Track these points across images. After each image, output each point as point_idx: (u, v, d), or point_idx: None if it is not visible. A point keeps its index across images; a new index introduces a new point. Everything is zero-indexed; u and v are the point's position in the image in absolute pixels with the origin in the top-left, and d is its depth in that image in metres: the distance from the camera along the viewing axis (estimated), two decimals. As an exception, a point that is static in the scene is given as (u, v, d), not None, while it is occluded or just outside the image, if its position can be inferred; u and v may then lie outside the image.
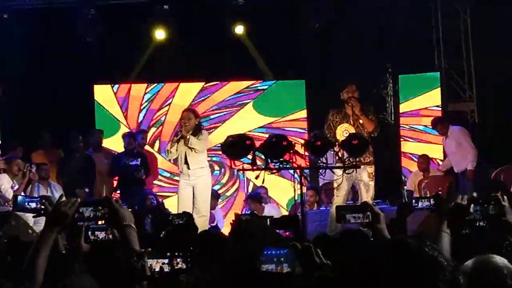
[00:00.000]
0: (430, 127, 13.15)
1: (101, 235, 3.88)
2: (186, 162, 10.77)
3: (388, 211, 9.10)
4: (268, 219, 5.82)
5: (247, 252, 3.57)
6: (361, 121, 10.37)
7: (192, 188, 10.74)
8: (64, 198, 3.79)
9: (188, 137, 10.60)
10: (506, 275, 3.27)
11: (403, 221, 8.62)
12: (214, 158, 14.12)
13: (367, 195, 10.34)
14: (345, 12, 13.91)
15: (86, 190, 11.93)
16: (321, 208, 11.77)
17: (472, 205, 3.89)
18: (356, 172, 10.04)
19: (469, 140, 12.28)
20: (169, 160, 12.31)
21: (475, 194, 3.96)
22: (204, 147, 10.90)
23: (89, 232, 3.95)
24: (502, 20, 12.57)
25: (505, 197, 3.90)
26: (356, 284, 1.94)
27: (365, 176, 10.33)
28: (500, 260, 3.36)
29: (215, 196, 11.84)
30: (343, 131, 10.36)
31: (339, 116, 10.47)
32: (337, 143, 9.81)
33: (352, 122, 10.41)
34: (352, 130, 10.30)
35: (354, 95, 10.45)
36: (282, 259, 3.50)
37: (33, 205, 4.14)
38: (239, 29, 14.12)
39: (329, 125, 10.49)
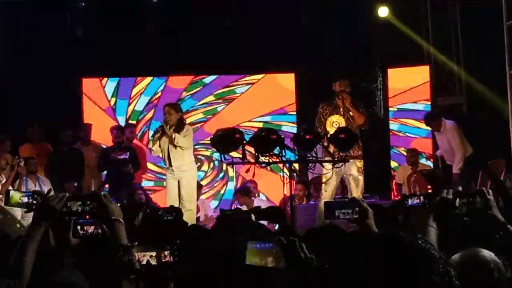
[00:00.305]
0: (422, 122, 13.12)
1: (90, 229, 3.88)
2: (169, 158, 10.87)
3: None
4: (253, 211, 5.78)
5: (229, 246, 3.57)
6: (351, 114, 10.37)
7: (178, 182, 10.83)
8: (52, 193, 3.79)
9: (173, 136, 10.65)
10: (493, 269, 3.29)
11: (396, 219, 8.62)
12: (203, 152, 14.15)
13: (356, 189, 10.35)
14: (334, 4, 13.91)
15: (75, 184, 11.91)
16: (310, 202, 11.77)
17: (457, 199, 3.91)
18: (345, 166, 10.04)
19: (459, 138, 12.13)
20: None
21: (460, 188, 3.97)
22: (189, 144, 10.94)
23: (78, 227, 3.94)
24: (490, 12, 12.58)
25: (490, 191, 3.91)
26: (346, 279, 1.93)
27: (354, 170, 10.32)
28: (487, 253, 3.38)
29: (198, 187, 11.85)
30: (333, 122, 10.36)
31: (329, 108, 10.47)
32: (325, 137, 9.79)
33: (342, 114, 10.41)
34: (342, 122, 10.30)
35: (346, 88, 10.44)
36: (267, 253, 3.49)
37: (25, 199, 4.12)
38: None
39: (319, 118, 10.49)
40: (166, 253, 3.60)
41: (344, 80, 10.55)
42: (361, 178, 10.41)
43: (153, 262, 3.54)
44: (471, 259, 3.33)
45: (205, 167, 14.32)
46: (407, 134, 14.19)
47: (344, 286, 1.93)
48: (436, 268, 1.88)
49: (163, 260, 3.59)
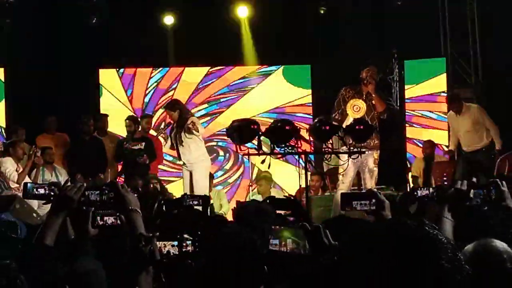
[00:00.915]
0: (441, 110, 13.09)
1: (110, 220, 3.88)
2: (178, 154, 11.24)
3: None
4: (268, 200, 5.79)
5: (247, 236, 3.58)
6: (373, 102, 10.36)
7: (190, 174, 10.96)
8: (69, 182, 3.80)
9: (182, 138, 10.84)
10: (505, 259, 3.28)
11: (406, 209, 8.58)
12: (219, 143, 14.18)
13: (371, 181, 10.34)
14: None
15: (101, 176, 11.96)
16: (325, 194, 11.77)
17: (472, 190, 3.90)
18: (362, 157, 10.04)
19: (489, 117, 11.92)
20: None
21: (474, 179, 3.97)
22: (202, 129, 11.09)
23: (98, 217, 3.96)
24: (508, 6, 12.52)
25: (503, 182, 3.91)
26: (356, 266, 1.94)
27: (371, 161, 10.32)
28: (500, 244, 3.37)
29: (210, 177, 11.87)
30: (354, 106, 10.31)
31: (352, 91, 10.44)
32: (342, 128, 9.76)
33: (364, 99, 10.38)
34: (364, 107, 10.26)
35: (373, 75, 10.44)
36: (290, 238, 3.54)
37: (41, 191, 4.13)
38: (243, 12, 14.14)
39: (339, 101, 10.41)
40: (188, 242, 3.61)
41: (372, 67, 10.55)
42: (375, 169, 10.41)
43: (174, 252, 3.55)
44: (484, 250, 3.32)
45: (220, 158, 14.34)
46: (423, 126, 14.16)
47: (354, 273, 1.93)
48: (445, 254, 1.88)
49: (184, 250, 3.60)
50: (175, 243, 4.14)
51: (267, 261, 3.43)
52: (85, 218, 3.86)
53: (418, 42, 13.92)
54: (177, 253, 4.07)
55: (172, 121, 11.25)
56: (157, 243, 3.48)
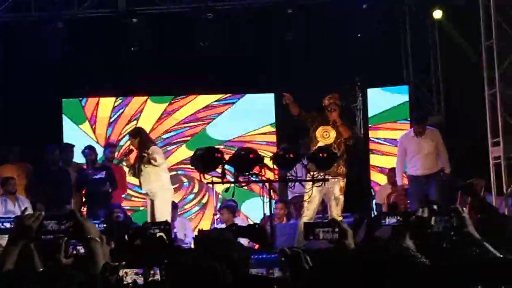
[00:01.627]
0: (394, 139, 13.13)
1: (83, 249, 3.85)
2: (139, 183, 11.10)
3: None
4: (233, 228, 5.79)
5: (210, 264, 3.57)
6: (339, 129, 10.41)
7: (152, 203, 10.86)
8: (28, 212, 3.76)
9: (141, 167, 10.76)
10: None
11: (372, 236, 8.60)
12: (179, 172, 14.16)
13: (336, 208, 10.35)
14: (314, 26, 13.97)
15: (68, 207, 11.86)
16: (290, 222, 11.75)
17: (433, 217, 3.91)
18: (328, 185, 10.06)
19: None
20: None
21: (435, 207, 3.98)
22: (162, 159, 10.98)
23: (71, 247, 3.92)
24: (468, 32, 12.67)
25: (464, 209, 3.93)
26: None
27: (337, 189, 10.33)
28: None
29: (174, 207, 11.81)
30: (323, 132, 10.37)
31: (319, 118, 10.49)
32: (305, 156, 9.79)
33: (332, 126, 10.44)
34: (333, 133, 10.32)
35: (336, 101, 10.49)
36: (272, 264, 3.55)
37: (7, 225, 4.09)
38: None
39: (311, 122, 10.50)
40: (153, 272, 3.58)
41: (334, 94, 10.62)
42: (341, 197, 10.42)
43: (140, 281, 3.51)
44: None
45: (184, 188, 14.30)
46: (386, 153, 14.23)
47: None
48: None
49: (150, 279, 3.56)
50: (140, 271, 4.10)
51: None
52: (57, 248, 3.82)
53: (381, 70, 14.04)
54: (142, 282, 4.03)
55: (134, 149, 11.14)
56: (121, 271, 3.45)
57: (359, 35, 14.03)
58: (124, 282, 3.45)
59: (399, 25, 14.50)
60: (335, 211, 10.25)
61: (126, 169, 11.53)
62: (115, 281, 3.32)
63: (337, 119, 10.41)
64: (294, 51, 14.03)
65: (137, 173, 10.92)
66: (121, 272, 3.44)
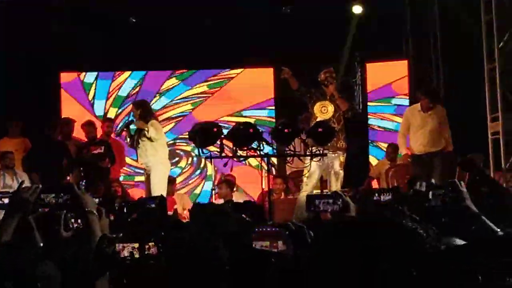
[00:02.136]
0: (400, 117, 13.04)
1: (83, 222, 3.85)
2: (136, 155, 11.14)
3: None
4: (229, 204, 5.78)
5: (205, 237, 3.57)
6: (336, 102, 10.41)
7: (148, 177, 10.88)
8: (25, 184, 3.76)
9: (146, 128, 10.72)
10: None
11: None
12: (179, 146, 14.16)
13: (336, 183, 10.36)
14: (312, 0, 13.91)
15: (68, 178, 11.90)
16: (288, 197, 11.76)
17: (430, 191, 3.90)
18: (328, 160, 10.08)
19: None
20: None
21: (433, 181, 3.97)
22: (159, 135, 10.94)
23: (72, 220, 3.92)
24: (469, 8, 12.61)
25: (462, 182, 3.91)
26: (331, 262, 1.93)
27: (337, 164, 10.34)
28: (460, 242, 3.38)
29: (171, 181, 11.81)
30: (321, 107, 10.39)
31: (317, 94, 10.49)
32: (303, 131, 9.77)
33: (329, 100, 10.44)
34: (330, 107, 10.33)
35: (331, 75, 10.48)
36: (276, 237, 3.55)
37: (6, 201, 4.09)
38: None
39: (309, 97, 10.48)
40: (150, 244, 3.57)
41: (329, 68, 10.59)
42: (341, 172, 10.43)
43: (136, 254, 3.51)
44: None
45: (183, 163, 14.29)
46: (385, 128, 14.22)
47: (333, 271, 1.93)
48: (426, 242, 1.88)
49: (147, 252, 3.56)
50: (136, 245, 4.09)
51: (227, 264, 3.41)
52: (57, 222, 3.82)
53: (380, 45, 13.98)
54: (138, 255, 4.03)
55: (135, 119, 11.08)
56: (117, 245, 3.45)
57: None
58: (122, 256, 3.44)
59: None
60: (335, 186, 10.25)
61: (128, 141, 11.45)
62: (111, 253, 3.32)
63: (334, 92, 10.41)
64: (292, 25, 13.95)
65: (135, 145, 10.93)
66: (118, 246, 3.44)
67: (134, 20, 13.81)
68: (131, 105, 11.36)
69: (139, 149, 10.92)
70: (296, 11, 13.93)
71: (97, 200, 6.65)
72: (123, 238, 3.55)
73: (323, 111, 10.33)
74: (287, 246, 3.49)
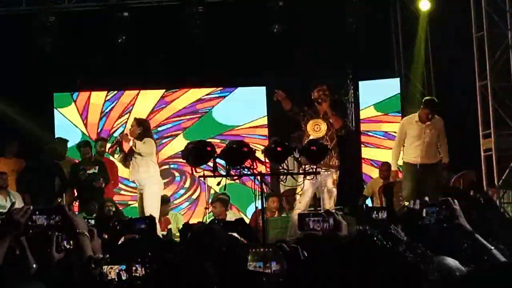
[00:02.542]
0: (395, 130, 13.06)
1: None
2: (130, 172, 10.98)
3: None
4: (220, 223, 5.78)
5: (193, 256, 3.57)
6: (330, 120, 10.40)
7: (141, 196, 10.82)
8: (16, 206, 3.76)
9: (132, 142, 10.69)
10: (458, 277, 3.30)
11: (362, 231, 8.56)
12: (172, 166, 14.14)
13: (329, 201, 10.34)
14: (306, 18, 13.94)
15: (59, 200, 11.87)
16: (282, 215, 11.75)
17: (424, 209, 3.91)
18: (321, 178, 10.07)
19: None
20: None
21: (427, 198, 3.98)
22: (148, 151, 10.87)
23: (65, 242, 3.91)
24: (460, 25, 12.67)
25: (455, 200, 3.92)
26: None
27: (330, 182, 10.32)
28: (452, 261, 3.39)
29: (166, 201, 11.79)
30: (314, 125, 10.37)
31: (310, 112, 10.48)
32: (296, 149, 9.76)
33: (322, 118, 10.43)
34: (324, 126, 10.31)
35: (325, 92, 10.47)
36: (270, 257, 3.55)
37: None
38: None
39: (302, 116, 10.45)
40: (137, 266, 3.56)
41: (323, 86, 10.56)
42: (334, 190, 10.41)
43: (124, 275, 3.49)
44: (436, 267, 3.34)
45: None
46: (377, 146, 14.24)
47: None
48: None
49: (134, 274, 3.54)
50: (123, 266, 4.08)
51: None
52: (49, 243, 3.81)
53: (372, 63, 14.04)
54: (126, 277, 4.01)
55: (130, 136, 10.95)
56: (105, 266, 3.44)
57: (354, 26, 14.00)
58: (109, 278, 3.42)
59: (390, 17, 14.49)
60: (328, 204, 10.23)
61: (117, 162, 11.43)
62: (98, 275, 3.31)
63: (327, 109, 10.40)
64: (285, 44, 14.00)
65: (127, 162, 10.87)
66: (106, 268, 3.42)
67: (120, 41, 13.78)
68: (133, 120, 11.21)
69: (130, 165, 10.90)
70: (288, 30, 13.95)
71: (92, 221, 6.69)
72: (111, 260, 3.54)
73: (316, 129, 10.33)
74: (281, 267, 3.49)
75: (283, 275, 3.59)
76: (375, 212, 5.00)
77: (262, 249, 3.67)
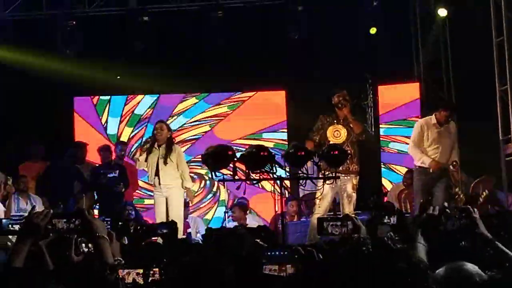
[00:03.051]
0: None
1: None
2: (157, 175, 10.87)
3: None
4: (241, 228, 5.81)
5: (210, 263, 3.59)
6: (351, 125, 10.40)
7: (166, 199, 10.81)
8: (37, 209, 3.79)
9: (168, 159, 10.71)
10: (478, 282, 3.31)
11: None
12: (196, 170, 14.18)
13: (349, 206, 10.32)
14: (324, 23, 13.94)
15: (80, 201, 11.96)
16: (301, 219, 11.75)
17: (443, 216, 3.92)
18: (341, 182, 10.06)
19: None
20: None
21: (446, 205, 4.00)
22: (183, 158, 10.97)
23: (83, 244, 3.94)
24: (479, 29, 12.63)
25: (475, 209, 3.94)
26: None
27: (350, 187, 10.30)
28: (472, 267, 3.40)
29: (185, 205, 11.86)
30: (334, 131, 10.37)
31: (330, 118, 10.48)
32: (316, 154, 9.76)
33: (342, 124, 10.42)
34: (343, 131, 10.31)
35: (345, 97, 10.47)
36: (285, 260, 3.59)
37: (17, 227, 4.12)
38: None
39: (318, 127, 10.44)
40: (153, 270, 3.58)
41: (342, 91, 10.56)
42: (354, 195, 10.39)
43: (140, 280, 3.51)
44: (456, 273, 3.35)
45: (195, 186, 14.30)
46: (398, 151, 14.19)
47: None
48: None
49: (151, 278, 3.56)
50: (140, 271, 4.11)
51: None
52: (68, 246, 3.84)
53: (391, 67, 14.01)
54: (142, 282, 4.04)
55: (158, 137, 10.95)
56: (121, 271, 3.45)
57: (370, 32, 13.98)
58: (125, 282, 3.44)
59: (409, 21, 14.44)
60: (348, 209, 10.23)
61: (141, 157, 11.29)
62: (114, 279, 3.32)
63: (348, 114, 10.40)
64: (305, 48, 14.01)
65: (158, 165, 10.84)
66: (123, 272, 3.43)
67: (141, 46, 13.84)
68: (159, 123, 11.20)
69: (163, 169, 10.86)
70: (307, 34, 13.94)
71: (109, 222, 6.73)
72: (128, 264, 3.56)
73: (336, 135, 10.33)
74: (297, 270, 3.52)
75: (298, 277, 3.61)
76: (386, 217, 5.00)
77: (277, 252, 3.70)
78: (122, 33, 13.92)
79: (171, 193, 10.83)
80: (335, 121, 10.44)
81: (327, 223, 4.43)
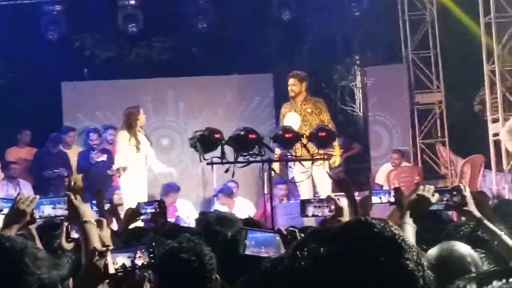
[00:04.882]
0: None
1: None
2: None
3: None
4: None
5: (194, 247, 3.60)
6: (308, 110, 10.46)
7: None
8: (22, 195, 3.76)
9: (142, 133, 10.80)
10: (470, 263, 3.31)
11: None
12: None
13: (325, 190, 10.29)
14: (311, 5, 13.91)
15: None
16: (290, 201, 11.74)
17: (435, 195, 3.91)
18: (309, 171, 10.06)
19: None
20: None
21: (439, 185, 4.00)
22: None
23: (74, 231, 3.92)
24: (467, 10, 12.64)
25: (466, 187, 3.94)
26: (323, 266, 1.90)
27: (322, 172, 10.28)
28: (463, 247, 3.40)
29: (175, 189, 11.85)
30: (288, 121, 10.46)
31: (288, 106, 10.65)
32: (304, 135, 9.74)
33: (298, 111, 10.59)
34: (297, 119, 10.44)
35: (295, 83, 10.63)
36: (268, 243, 3.57)
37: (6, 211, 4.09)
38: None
39: (280, 118, 10.53)
40: (142, 254, 3.54)
41: (294, 75, 10.64)
42: (328, 179, 10.34)
43: (129, 264, 3.47)
44: (448, 253, 3.35)
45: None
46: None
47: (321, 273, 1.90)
48: (411, 256, 1.85)
49: (139, 262, 3.53)
50: (130, 254, 4.09)
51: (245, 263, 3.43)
52: (56, 229, 3.82)
53: (379, 49, 13.99)
54: (131, 265, 4.02)
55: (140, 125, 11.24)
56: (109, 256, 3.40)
57: (357, 13, 13.95)
58: (115, 266, 3.40)
59: (396, 3, 14.41)
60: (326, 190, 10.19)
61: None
62: (103, 265, 3.29)
63: (300, 102, 10.51)
64: (292, 31, 13.98)
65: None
66: (112, 257, 3.39)
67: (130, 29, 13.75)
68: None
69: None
70: (295, 17, 13.90)
71: (106, 206, 6.69)
72: (115, 249, 3.53)
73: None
74: (279, 251, 3.51)
75: (282, 258, 3.60)
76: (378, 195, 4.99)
77: (259, 234, 3.68)
78: (108, 17, 13.84)
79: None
80: (290, 109, 10.55)
81: (309, 205, 4.45)
